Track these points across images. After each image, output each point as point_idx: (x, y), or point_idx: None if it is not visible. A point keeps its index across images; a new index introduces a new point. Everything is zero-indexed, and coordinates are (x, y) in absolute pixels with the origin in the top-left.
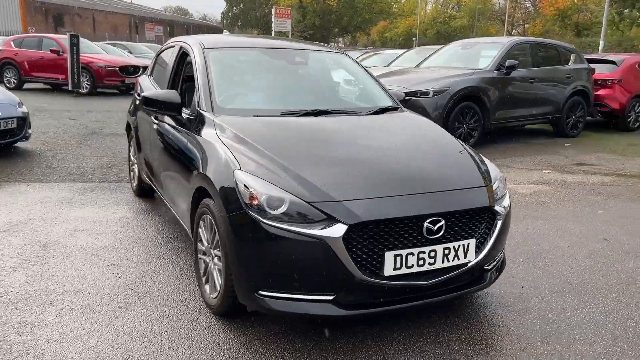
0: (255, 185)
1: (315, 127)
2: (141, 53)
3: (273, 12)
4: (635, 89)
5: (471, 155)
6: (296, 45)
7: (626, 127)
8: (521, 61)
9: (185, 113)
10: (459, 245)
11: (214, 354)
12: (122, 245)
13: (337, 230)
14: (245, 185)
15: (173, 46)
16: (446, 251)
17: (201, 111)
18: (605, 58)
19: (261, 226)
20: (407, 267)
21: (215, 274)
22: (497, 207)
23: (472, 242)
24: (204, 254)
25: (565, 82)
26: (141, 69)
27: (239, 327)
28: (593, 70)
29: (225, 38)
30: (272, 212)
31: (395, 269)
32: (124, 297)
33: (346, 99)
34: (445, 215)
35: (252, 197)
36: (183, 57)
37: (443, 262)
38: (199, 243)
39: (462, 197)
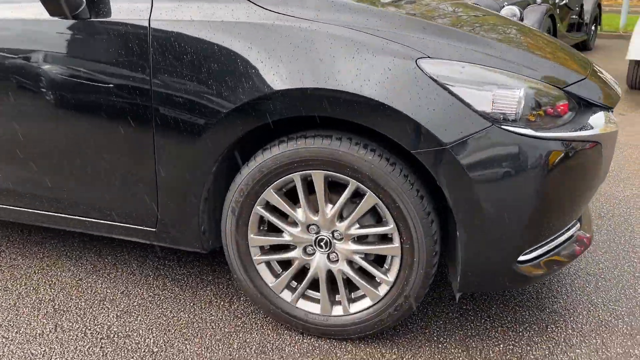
0: (488, 75)
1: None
2: None
3: None
4: None
5: None
6: None
7: None
8: None
9: None
10: None
11: None
12: None
13: (604, 122)
14: (469, 82)
15: None
16: None
17: None
18: None
19: (530, 143)
20: None
21: (347, 272)
22: None
23: None
24: (283, 249)
25: None
26: None
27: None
28: None
29: None
30: (517, 117)
31: None
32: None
33: None
34: None
35: (494, 101)
36: None
37: None
38: (254, 235)
39: None
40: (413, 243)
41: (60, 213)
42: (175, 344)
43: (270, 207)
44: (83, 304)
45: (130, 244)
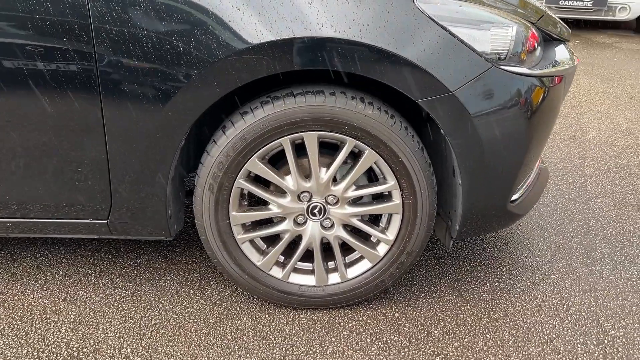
0: (483, 14)
1: None
2: None
3: None
4: None
5: None
6: None
7: None
8: None
9: None
10: None
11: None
12: None
13: (569, 56)
14: (467, 22)
15: None
16: None
17: None
18: None
19: (525, 81)
20: None
21: (344, 236)
22: None
23: None
24: (269, 223)
25: None
26: None
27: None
28: None
29: None
30: (507, 55)
31: None
32: None
33: None
34: None
35: (492, 41)
36: None
37: None
38: (237, 213)
39: None
40: (416, 197)
41: None
42: (159, 347)
43: (252, 179)
44: (19, 322)
45: (48, 241)
